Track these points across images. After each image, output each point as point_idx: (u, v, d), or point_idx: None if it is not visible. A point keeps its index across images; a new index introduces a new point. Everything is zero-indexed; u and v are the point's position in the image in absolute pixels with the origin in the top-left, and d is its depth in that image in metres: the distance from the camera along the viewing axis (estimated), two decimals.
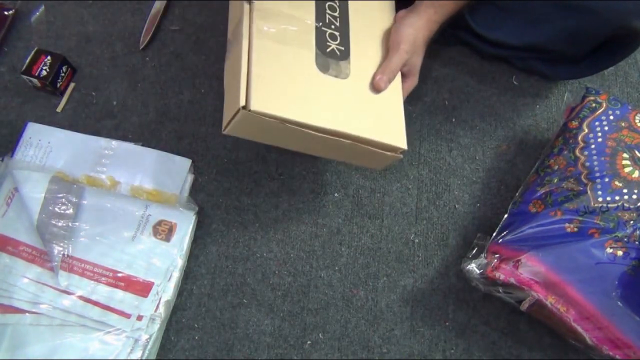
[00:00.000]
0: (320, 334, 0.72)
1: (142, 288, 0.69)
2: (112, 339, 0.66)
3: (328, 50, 0.64)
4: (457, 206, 0.79)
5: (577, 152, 0.70)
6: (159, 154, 0.79)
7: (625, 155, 0.67)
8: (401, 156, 0.64)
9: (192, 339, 0.71)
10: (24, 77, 0.80)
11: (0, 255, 0.68)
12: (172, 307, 0.71)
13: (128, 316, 0.67)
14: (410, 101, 0.84)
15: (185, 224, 0.73)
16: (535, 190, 0.70)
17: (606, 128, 0.70)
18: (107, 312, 0.67)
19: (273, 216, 0.77)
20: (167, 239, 0.72)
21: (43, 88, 0.81)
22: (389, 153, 0.64)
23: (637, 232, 0.64)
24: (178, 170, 0.78)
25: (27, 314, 0.66)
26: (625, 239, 0.64)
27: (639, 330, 0.62)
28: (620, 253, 0.63)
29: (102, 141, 0.79)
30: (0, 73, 0.85)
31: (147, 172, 0.78)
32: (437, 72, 0.86)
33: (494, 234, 0.70)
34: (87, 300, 0.67)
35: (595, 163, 0.68)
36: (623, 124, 0.70)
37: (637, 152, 0.68)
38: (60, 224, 0.69)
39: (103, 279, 0.68)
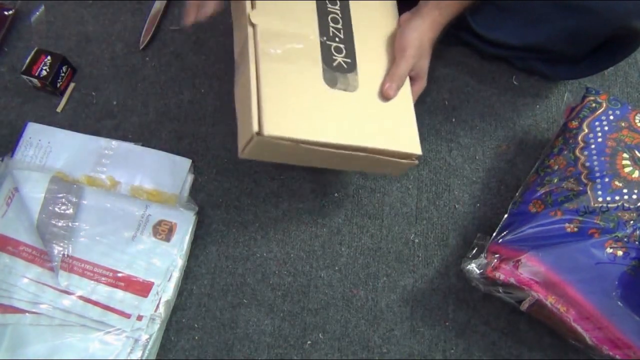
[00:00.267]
0: (320, 334, 0.72)
1: (142, 288, 0.69)
2: (112, 339, 0.66)
3: (335, 64, 0.63)
4: (457, 206, 0.79)
5: (577, 152, 0.70)
6: (159, 154, 0.79)
7: (625, 155, 0.67)
8: (416, 162, 0.64)
9: (192, 339, 0.71)
10: (24, 77, 0.80)
11: (0, 255, 0.69)
12: (172, 307, 0.71)
13: (128, 316, 0.67)
14: None
15: (185, 224, 0.73)
16: (535, 190, 0.70)
17: (606, 128, 0.70)
18: (107, 312, 0.67)
19: (273, 216, 0.77)
20: (167, 239, 0.72)
21: (43, 88, 0.81)
22: (404, 161, 0.64)
23: (637, 232, 0.64)
24: (178, 170, 0.78)
25: (27, 314, 0.66)
26: (625, 239, 0.64)
27: (639, 330, 0.62)
28: (620, 253, 0.63)
29: (102, 141, 0.79)
30: (0, 73, 0.85)
31: (147, 172, 0.78)
32: (437, 72, 0.86)
33: (494, 234, 0.70)
34: (87, 300, 0.67)
35: (595, 163, 0.68)
36: (623, 124, 0.70)
37: (637, 152, 0.68)
38: (60, 224, 0.69)
39: (103, 279, 0.68)
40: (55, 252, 0.68)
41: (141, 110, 0.83)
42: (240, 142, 0.60)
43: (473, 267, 0.68)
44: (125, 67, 0.85)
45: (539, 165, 0.74)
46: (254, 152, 0.59)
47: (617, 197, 0.65)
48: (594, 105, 0.72)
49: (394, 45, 0.67)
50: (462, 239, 0.77)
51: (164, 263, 0.70)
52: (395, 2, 0.72)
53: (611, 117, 0.70)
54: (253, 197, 0.78)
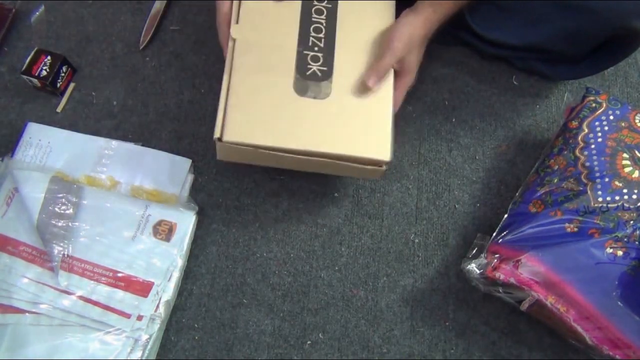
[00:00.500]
0: (320, 334, 0.72)
1: (142, 288, 0.69)
2: (112, 339, 0.66)
3: (309, 72, 0.65)
4: (457, 206, 0.79)
5: (577, 152, 0.70)
6: (159, 154, 0.79)
7: (625, 155, 0.67)
8: (384, 168, 0.64)
9: (192, 339, 0.71)
10: (24, 77, 0.80)
11: (0, 255, 0.68)
12: (172, 307, 0.71)
13: (128, 316, 0.67)
14: (410, 101, 0.84)
15: (185, 224, 0.73)
16: (535, 190, 0.71)
17: (606, 128, 0.70)
18: (107, 312, 0.67)
19: (273, 216, 0.77)
20: (167, 239, 0.72)
21: (43, 88, 0.81)
22: (369, 167, 0.64)
23: (637, 232, 0.64)
24: (178, 170, 0.78)
25: (27, 314, 0.66)
26: (625, 239, 0.64)
27: (639, 330, 0.62)
28: (620, 253, 0.63)
29: (102, 141, 0.79)
30: (0, 73, 0.85)
31: (147, 172, 0.78)
32: (437, 72, 0.86)
33: (494, 234, 0.70)
34: (87, 300, 0.67)
35: (595, 163, 0.68)
36: (623, 124, 0.70)
37: (637, 152, 0.68)
38: (60, 224, 0.69)
39: (103, 279, 0.68)
40: (55, 252, 0.68)
41: (141, 110, 0.83)
42: None
43: (473, 267, 0.68)
44: (125, 67, 0.85)
45: (539, 165, 0.75)
46: (224, 155, 0.65)
47: (617, 197, 0.65)
48: (594, 105, 0.72)
49: (384, 40, 0.67)
50: (462, 239, 0.77)
51: (164, 263, 0.70)
52: (393, 5, 0.71)
53: (611, 117, 0.70)
54: (253, 197, 0.78)
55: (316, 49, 0.67)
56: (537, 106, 0.85)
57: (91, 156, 0.78)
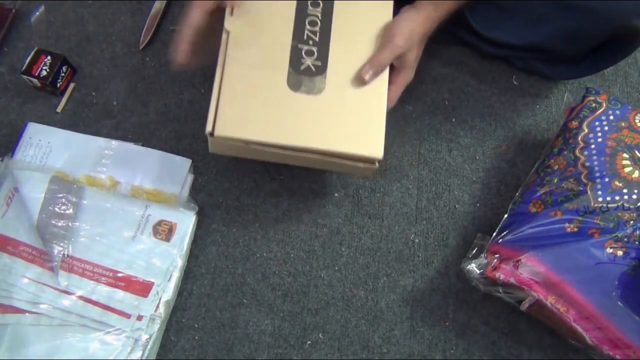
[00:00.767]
0: (320, 334, 0.72)
1: (142, 288, 0.69)
2: (112, 339, 0.66)
3: (302, 67, 0.65)
4: (457, 206, 0.79)
5: (577, 152, 0.70)
6: (159, 154, 0.79)
7: (625, 155, 0.67)
8: (377, 166, 0.64)
9: (192, 339, 0.71)
10: (24, 77, 0.80)
11: (0, 255, 0.69)
12: (172, 307, 0.71)
13: (128, 316, 0.67)
14: (410, 101, 0.84)
15: (185, 224, 0.73)
16: (535, 190, 0.70)
17: (606, 128, 0.70)
18: (107, 312, 0.67)
19: (273, 216, 0.77)
20: (167, 239, 0.72)
21: (43, 88, 0.81)
22: (361, 164, 0.64)
23: (637, 232, 0.64)
24: (178, 170, 0.78)
25: (27, 314, 0.66)
26: (625, 239, 0.64)
27: (639, 330, 0.62)
28: (620, 253, 0.63)
29: (102, 141, 0.79)
30: (0, 73, 0.85)
31: (147, 172, 0.78)
32: (437, 72, 0.86)
33: (494, 234, 0.70)
34: (87, 300, 0.67)
35: (595, 163, 0.68)
36: (623, 124, 0.70)
37: (637, 152, 0.68)
38: (60, 224, 0.69)
39: (103, 279, 0.68)
40: (55, 252, 0.68)
41: (141, 110, 0.83)
42: None
43: (473, 267, 0.68)
44: (125, 67, 0.85)
45: (539, 165, 0.74)
46: (217, 148, 0.64)
47: (617, 197, 0.65)
48: (594, 105, 0.72)
49: (383, 35, 0.66)
50: (462, 239, 0.77)
51: (164, 263, 0.70)
52: (391, 4, 0.71)
53: (611, 117, 0.70)
54: (253, 197, 0.78)
55: (311, 42, 0.66)
56: (537, 106, 0.85)
57: (91, 156, 0.78)
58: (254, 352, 0.71)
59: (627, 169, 0.67)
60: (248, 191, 0.78)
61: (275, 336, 0.72)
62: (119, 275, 0.69)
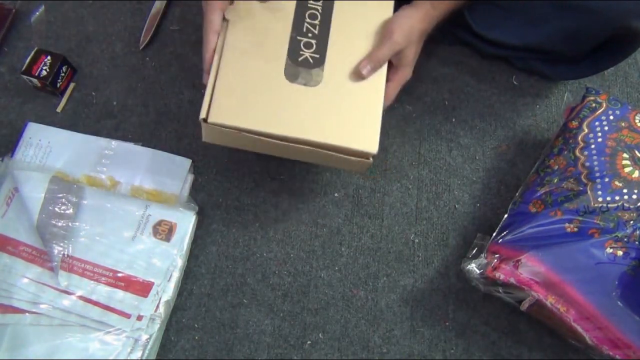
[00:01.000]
0: (320, 334, 0.72)
1: (142, 288, 0.69)
2: (112, 339, 0.66)
3: (300, 59, 0.64)
4: (457, 206, 0.79)
5: (577, 152, 0.70)
6: (159, 154, 0.79)
7: (625, 155, 0.67)
8: (371, 161, 0.63)
9: (192, 339, 0.71)
10: (24, 77, 0.80)
11: (0, 255, 0.69)
12: (172, 307, 0.71)
13: (128, 316, 0.67)
14: (410, 101, 0.84)
15: (185, 224, 0.73)
16: (535, 190, 0.71)
17: (606, 128, 0.70)
18: (107, 312, 0.67)
19: (273, 216, 0.77)
20: (167, 239, 0.72)
21: (43, 88, 0.81)
22: (355, 158, 0.63)
23: (637, 232, 0.64)
24: (178, 170, 0.78)
25: (27, 314, 0.66)
26: (625, 239, 0.64)
27: (639, 330, 0.62)
28: (620, 253, 0.63)
29: (102, 141, 0.79)
30: (0, 73, 0.85)
31: (147, 172, 0.78)
32: (437, 72, 0.86)
33: (494, 234, 0.70)
34: (87, 300, 0.67)
35: (595, 163, 0.68)
36: (623, 124, 0.70)
37: (637, 152, 0.68)
38: (60, 224, 0.69)
39: (103, 279, 0.68)
40: (55, 252, 0.68)
41: (141, 110, 0.83)
42: None
43: (473, 267, 0.68)
44: (125, 67, 0.85)
45: (539, 165, 0.75)
46: (210, 137, 0.64)
47: (617, 197, 0.65)
48: (594, 105, 0.72)
49: (382, 30, 0.66)
50: (462, 239, 0.77)
51: (164, 263, 0.70)
52: (392, 2, 0.71)
53: (611, 117, 0.70)
54: (253, 197, 0.78)
55: (310, 35, 0.66)
56: (537, 106, 0.85)
57: (91, 156, 0.78)
58: (254, 352, 0.71)
59: (627, 169, 0.67)
60: (248, 191, 0.78)
61: (275, 336, 0.72)
62: (119, 275, 0.69)
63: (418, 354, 0.72)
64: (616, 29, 0.70)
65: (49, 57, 0.80)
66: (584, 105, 0.73)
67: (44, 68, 0.80)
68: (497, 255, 0.67)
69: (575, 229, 0.65)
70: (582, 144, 0.70)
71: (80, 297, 0.67)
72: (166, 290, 0.70)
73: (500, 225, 0.71)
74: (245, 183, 0.79)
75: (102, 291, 0.68)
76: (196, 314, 0.72)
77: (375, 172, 0.80)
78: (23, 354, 0.64)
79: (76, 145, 0.79)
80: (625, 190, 0.65)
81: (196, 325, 0.72)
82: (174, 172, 0.78)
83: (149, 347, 0.67)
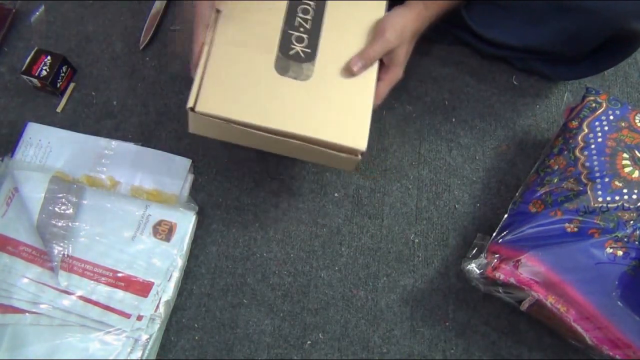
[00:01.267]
0: (320, 334, 0.72)
1: (142, 288, 0.69)
2: (112, 339, 0.66)
3: (291, 52, 0.64)
4: (457, 206, 0.79)
5: (577, 152, 0.70)
6: (159, 154, 0.79)
7: (625, 155, 0.67)
8: (359, 158, 0.63)
9: (192, 339, 0.71)
10: (24, 77, 0.80)
11: (0, 255, 0.69)
12: (172, 307, 0.71)
13: (128, 316, 0.67)
14: (410, 101, 0.84)
15: (185, 224, 0.73)
16: (535, 190, 0.71)
17: (606, 128, 0.70)
18: (107, 312, 0.67)
19: (273, 216, 0.77)
20: (167, 239, 0.72)
21: (43, 88, 0.81)
22: (343, 155, 0.63)
23: (637, 232, 0.64)
24: (178, 170, 0.78)
25: (27, 314, 0.66)
26: (625, 239, 0.64)
27: (639, 330, 0.62)
28: (620, 253, 0.63)
29: (102, 141, 0.79)
30: (0, 73, 0.85)
31: (147, 172, 0.78)
32: (437, 72, 0.86)
33: (494, 234, 0.70)
34: (87, 300, 0.67)
35: (595, 163, 0.68)
36: (623, 124, 0.70)
37: (637, 152, 0.68)
38: (60, 224, 0.69)
39: (103, 279, 0.68)
40: (55, 252, 0.68)
41: (141, 110, 0.83)
42: None
43: (473, 267, 0.68)
44: (125, 67, 0.85)
45: (539, 165, 0.75)
46: (196, 127, 0.63)
47: (617, 197, 0.65)
48: (594, 105, 0.72)
49: (375, 29, 0.66)
50: (462, 239, 0.77)
51: (164, 263, 0.70)
52: (384, 2, 0.71)
53: (611, 117, 0.70)
54: (253, 197, 0.78)
55: (302, 30, 0.66)
56: (537, 106, 0.85)
57: (91, 156, 0.78)
58: (254, 352, 0.71)
59: (627, 169, 0.67)
60: (248, 191, 0.78)
61: (275, 336, 0.72)
62: (119, 275, 0.69)
63: (418, 354, 0.72)
64: (616, 29, 0.70)
65: (49, 57, 0.80)
66: (584, 105, 0.73)
67: (44, 68, 0.80)
68: (497, 255, 0.67)
69: (575, 229, 0.65)
70: (582, 144, 0.70)
71: (80, 297, 0.67)
72: (166, 290, 0.70)
73: (500, 225, 0.71)
74: (245, 183, 0.79)
75: (102, 291, 0.68)
76: (196, 314, 0.72)
77: (375, 172, 0.80)
78: (23, 354, 0.64)
79: (76, 145, 0.79)
80: (625, 190, 0.65)
81: (196, 325, 0.72)
82: (174, 172, 0.78)
83: (149, 347, 0.67)
